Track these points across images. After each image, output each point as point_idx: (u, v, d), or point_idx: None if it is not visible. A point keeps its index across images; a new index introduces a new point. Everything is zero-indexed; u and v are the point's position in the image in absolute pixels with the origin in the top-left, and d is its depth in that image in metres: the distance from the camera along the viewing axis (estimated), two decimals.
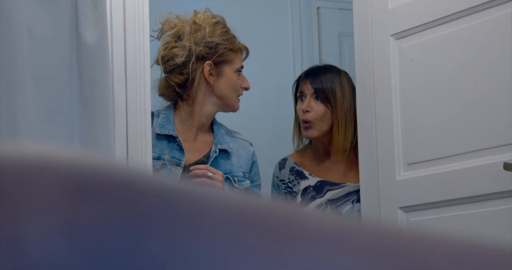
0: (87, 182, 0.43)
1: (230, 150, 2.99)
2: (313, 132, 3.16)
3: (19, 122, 2.48)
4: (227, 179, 2.94)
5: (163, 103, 3.05)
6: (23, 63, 2.51)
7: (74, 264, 0.41)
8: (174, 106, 3.01)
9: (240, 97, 3.05)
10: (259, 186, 3.10)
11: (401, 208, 2.96)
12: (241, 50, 2.99)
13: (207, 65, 2.93)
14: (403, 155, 2.95)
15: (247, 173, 3.02)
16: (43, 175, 0.43)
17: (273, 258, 0.42)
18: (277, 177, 3.25)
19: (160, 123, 2.95)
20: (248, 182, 3.01)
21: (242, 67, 2.99)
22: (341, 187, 3.17)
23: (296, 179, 3.20)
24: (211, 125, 3.04)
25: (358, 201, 3.12)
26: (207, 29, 2.93)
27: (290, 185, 3.21)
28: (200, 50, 2.91)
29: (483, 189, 2.71)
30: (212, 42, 2.93)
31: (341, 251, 0.43)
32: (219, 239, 0.42)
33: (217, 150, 2.96)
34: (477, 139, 2.74)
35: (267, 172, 3.31)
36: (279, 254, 0.42)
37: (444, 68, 2.85)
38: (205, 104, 2.97)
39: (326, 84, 3.15)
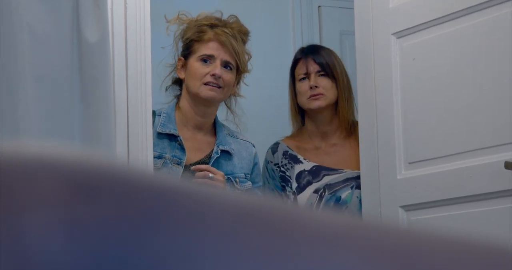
0: (88, 180, 0.43)
1: (232, 151, 2.99)
2: (322, 103, 3.20)
3: (20, 121, 2.48)
4: (228, 179, 2.94)
5: (165, 102, 3.07)
6: (24, 61, 2.51)
7: (74, 262, 0.41)
8: (176, 105, 3.02)
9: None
10: (260, 187, 3.10)
11: (402, 206, 2.96)
12: (209, 40, 2.97)
13: (178, 60, 3.00)
14: (404, 153, 2.95)
15: (248, 174, 3.02)
16: (44, 173, 0.43)
17: (275, 257, 0.42)
18: (271, 162, 3.24)
19: (161, 122, 2.96)
20: (249, 183, 3.01)
21: (209, 55, 2.94)
22: (339, 173, 3.18)
23: (289, 163, 3.22)
24: (214, 126, 3.04)
25: (357, 187, 3.13)
26: (187, 27, 2.99)
27: (283, 168, 3.22)
28: (180, 47, 3.01)
29: (484, 188, 2.71)
30: (187, 39, 2.99)
31: (342, 250, 0.43)
32: (220, 237, 0.42)
33: (219, 151, 2.96)
34: (478, 137, 2.74)
35: None
36: (281, 253, 0.42)
37: (445, 67, 2.85)
38: (189, 100, 2.98)
39: (329, 59, 3.23)
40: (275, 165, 3.23)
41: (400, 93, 2.98)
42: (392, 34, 3.01)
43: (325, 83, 3.20)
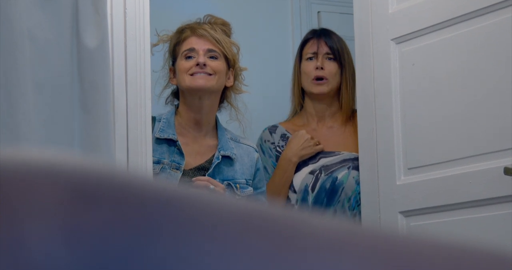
0: (87, 186, 0.43)
1: (233, 156, 2.95)
2: (325, 88, 3.24)
3: (20, 127, 2.48)
4: (229, 185, 2.92)
5: (165, 108, 3.07)
6: (24, 67, 2.51)
7: (74, 268, 0.41)
8: (176, 110, 3.02)
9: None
10: (264, 192, 3.07)
11: (401, 212, 2.96)
12: (188, 37, 2.97)
13: (170, 71, 3.02)
14: (403, 159, 2.95)
15: (250, 180, 2.99)
16: (44, 180, 0.43)
17: (275, 263, 0.42)
18: (267, 141, 3.26)
19: (160, 128, 2.95)
20: (250, 189, 2.98)
21: (189, 49, 2.95)
22: (336, 155, 3.21)
23: (286, 144, 3.23)
24: (216, 130, 3.02)
25: (354, 168, 3.15)
26: (170, 38, 3.02)
27: (279, 149, 3.25)
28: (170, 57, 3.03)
29: (483, 194, 2.71)
30: (173, 46, 3.01)
31: (342, 256, 0.43)
32: (220, 244, 0.42)
33: (220, 156, 2.94)
34: (478, 143, 2.74)
35: None
36: (281, 259, 0.42)
37: (445, 72, 2.85)
38: (185, 99, 2.98)
39: (340, 45, 3.28)
40: (271, 143, 3.25)
41: (400, 98, 2.98)
42: (391, 40, 3.02)
43: (331, 68, 3.24)
